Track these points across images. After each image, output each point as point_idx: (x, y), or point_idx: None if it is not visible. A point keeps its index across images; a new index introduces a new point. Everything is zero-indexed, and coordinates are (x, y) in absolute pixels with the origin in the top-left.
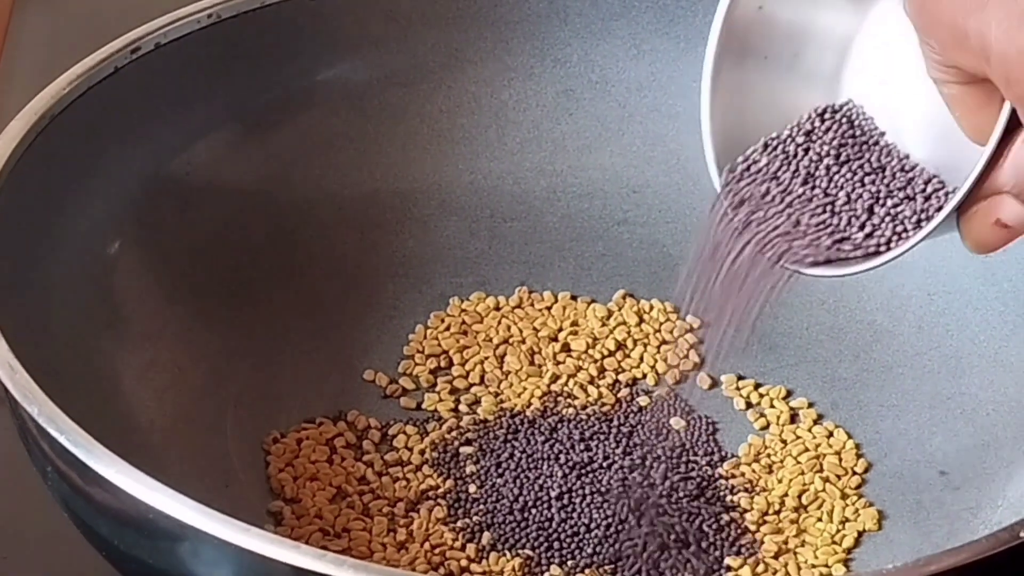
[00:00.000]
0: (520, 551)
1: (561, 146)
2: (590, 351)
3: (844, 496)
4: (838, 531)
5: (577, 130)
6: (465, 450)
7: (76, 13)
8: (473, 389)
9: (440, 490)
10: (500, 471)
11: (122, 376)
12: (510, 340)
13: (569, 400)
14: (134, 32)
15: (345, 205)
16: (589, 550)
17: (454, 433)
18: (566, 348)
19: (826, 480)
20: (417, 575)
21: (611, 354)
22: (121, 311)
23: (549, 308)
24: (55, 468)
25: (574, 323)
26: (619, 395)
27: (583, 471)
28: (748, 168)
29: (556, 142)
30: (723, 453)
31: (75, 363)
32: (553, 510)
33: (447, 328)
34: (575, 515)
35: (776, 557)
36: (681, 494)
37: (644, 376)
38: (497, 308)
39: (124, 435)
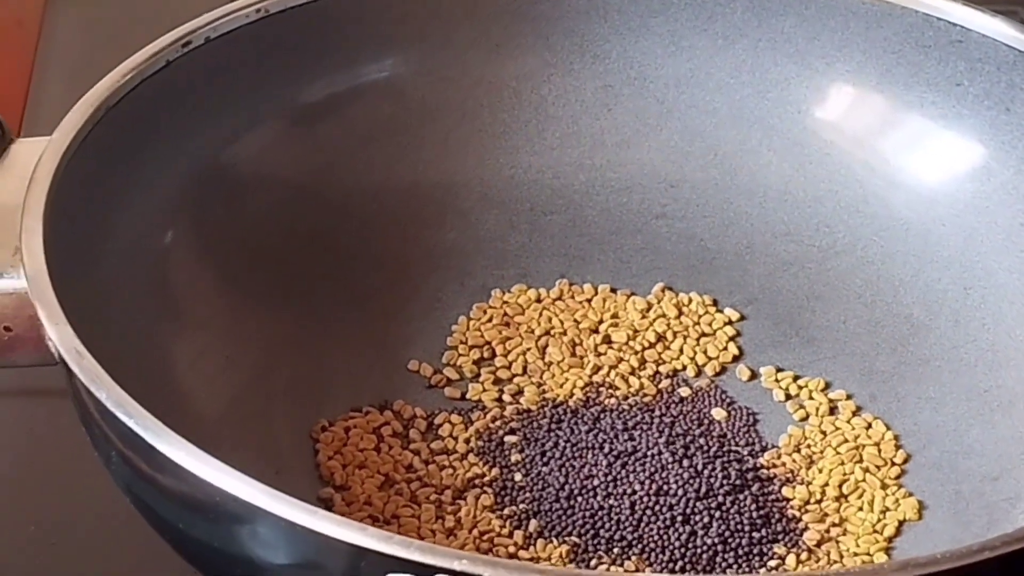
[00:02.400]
0: (567, 538)
1: (600, 141)
2: (630, 343)
3: (884, 486)
4: (879, 520)
5: (616, 125)
6: (510, 439)
7: (110, 7)
8: (516, 379)
9: (486, 478)
10: (545, 460)
11: (175, 365)
12: (551, 331)
13: (611, 391)
14: (185, 26)
15: (388, 198)
16: (634, 538)
17: (498, 422)
18: (607, 340)
19: (866, 470)
20: (478, 555)
21: (651, 346)
22: (174, 301)
23: (589, 300)
24: (120, 453)
25: (614, 315)
26: (660, 386)
27: (627, 460)
28: None
29: (595, 137)
30: (764, 444)
31: (131, 352)
32: (599, 498)
33: (489, 319)
34: (621, 503)
35: (819, 545)
36: (723, 484)
37: (684, 368)
38: (538, 300)
39: (177, 422)
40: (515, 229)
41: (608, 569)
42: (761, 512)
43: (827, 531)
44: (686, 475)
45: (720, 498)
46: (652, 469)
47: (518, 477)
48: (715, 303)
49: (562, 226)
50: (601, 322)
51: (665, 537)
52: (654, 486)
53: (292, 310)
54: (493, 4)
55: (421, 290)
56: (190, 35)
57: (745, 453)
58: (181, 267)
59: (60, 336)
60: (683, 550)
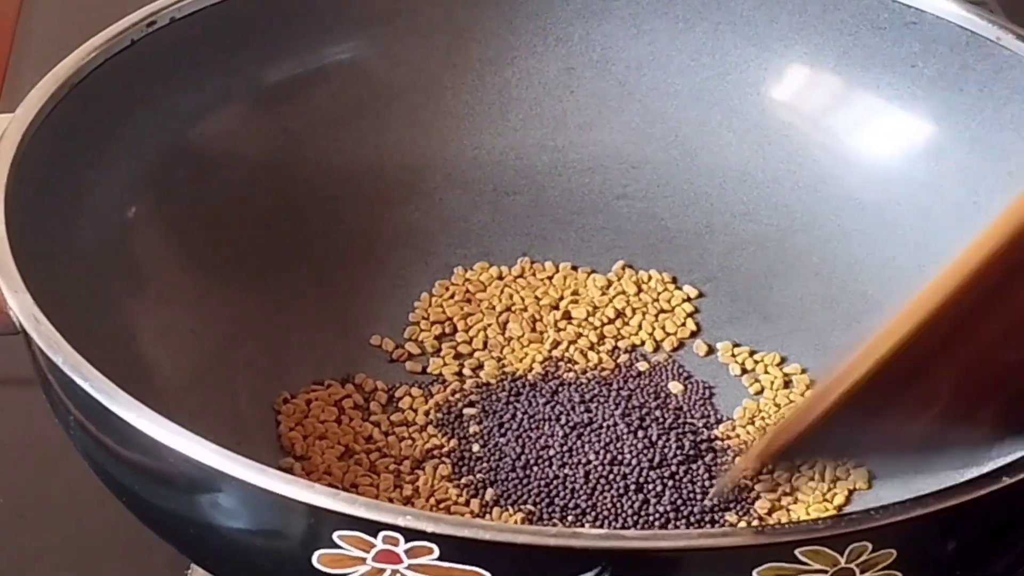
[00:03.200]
0: (522, 507)
1: (562, 123)
2: (590, 319)
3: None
4: (829, 489)
5: (578, 107)
6: (468, 411)
7: None
8: (476, 354)
9: (445, 449)
10: (503, 431)
11: (139, 337)
12: (512, 308)
13: (570, 365)
14: (150, 6)
15: (353, 178)
16: (588, 506)
17: (458, 395)
18: (567, 316)
19: None
20: (421, 512)
21: (611, 322)
22: (139, 275)
23: (550, 278)
24: (76, 419)
25: (575, 292)
26: (618, 361)
27: (583, 431)
28: None
29: (558, 119)
30: (719, 416)
31: (94, 324)
32: (554, 468)
33: (451, 296)
34: (575, 473)
35: (770, 514)
36: (677, 454)
37: (643, 343)
38: (500, 278)
39: (141, 394)
40: (478, 209)
41: None
42: (713, 481)
43: (778, 500)
44: (640, 445)
45: (673, 468)
46: (607, 440)
47: (476, 448)
48: (674, 280)
49: (524, 206)
50: (561, 299)
51: (618, 505)
52: (608, 456)
53: (257, 286)
54: None
55: (385, 268)
56: (155, 15)
57: (700, 425)
58: (146, 242)
59: (19, 304)
60: (635, 517)
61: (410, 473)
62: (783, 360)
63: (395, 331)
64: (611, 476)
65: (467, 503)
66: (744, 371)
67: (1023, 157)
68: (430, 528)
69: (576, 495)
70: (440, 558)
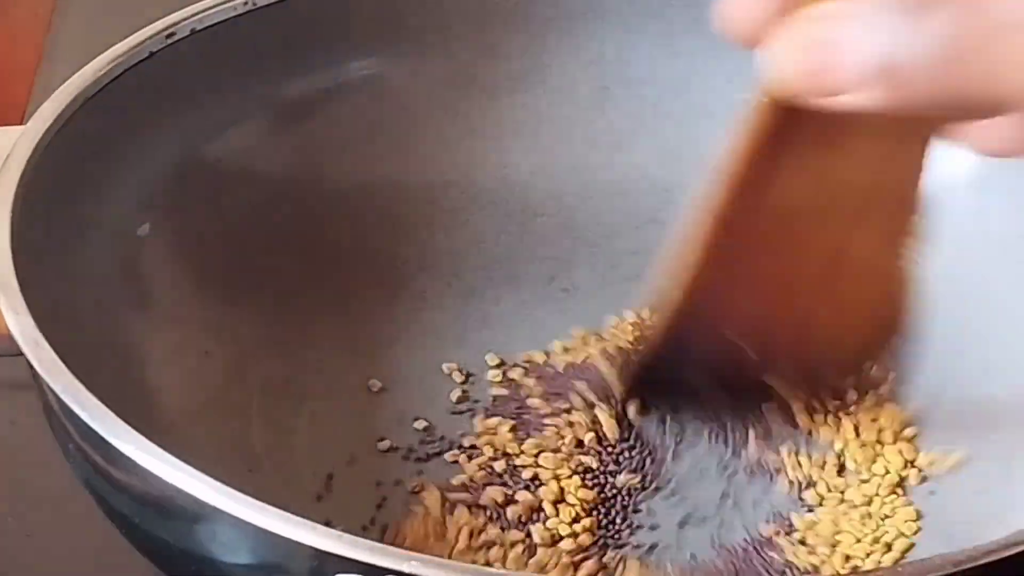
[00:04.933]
0: None
1: (594, 143)
2: None
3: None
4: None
5: (610, 128)
6: None
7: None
8: None
9: None
10: None
11: (149, 358)
12: None
13: None
14: (170, 17)
15: (376, 196)
16: None
17: None
18: None
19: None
20: (427, 556)
21: None
22: (149, 294)
23: None
24: (76, 445)
25: None
26: None
27: None
28: None
29: (589, 139)
30: None
31: (102, 344)
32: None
33: None
34: None
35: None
36: None
37: None
38: None
39: (149, 417)
40: (505, 231)
41: None
42: None
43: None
44: None
45: None
46: None
47: None
48: None
49: (553, 228)
50: None
51: None
52: None
53: (273, 307)
54: (489, 3)
55: (407, 290)
56: (174, 26)
57: None
58: (158, 261)
59: (19, 326)
60: None
61: None
62: None
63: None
64: None
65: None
66: None
67: None
68: (434, 574)
69: None
70: None
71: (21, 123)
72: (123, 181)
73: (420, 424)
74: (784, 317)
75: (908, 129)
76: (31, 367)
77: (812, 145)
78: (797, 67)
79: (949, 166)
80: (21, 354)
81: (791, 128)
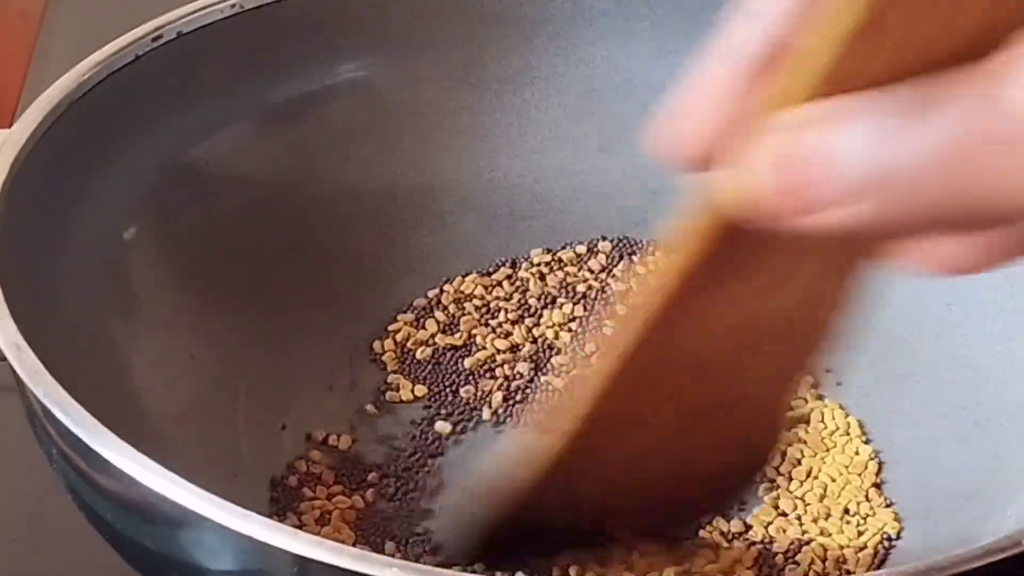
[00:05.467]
0: None
1: (582, 146)
2: None
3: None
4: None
5: (599, 130)
6: None
7: (110, 2)
8: None
9: None
10: None
11: (134, 363)
12: None
13: None
14: (156, 20)
15: (364, 199)
16: None
17: None
18: None
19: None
20: (408, 563)
21: None
22: (135, 298)
23: None
24: (60, 450)
25: None
26: None
27: None
28: None
29: (577, 142)
30: None
31: (87, 348)
32: None
33: None
34: None
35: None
36: None
37: None
38: None
39: (134, 422)
40: (493, 233)
41: None
42: None
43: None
44: None
45: None
46: None
47: None
48: None
49: (541, 232)
50: None
51: None
52: None
53: (260, 310)
54: (477, 5)
55: (394, 293)
56: (161, 29)
57: None
58: (144, 265)
59: (2, 331)
60: None
61: None
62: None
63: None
64: None
65: None
66: None
67: None
68: None
69: None
70: None
71: (10, 127)
72: (109, 185)
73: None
74: (651, 459)
75: (846, 251)
76: (14, 372)
77: (740, 272)
78: (773, 183)
79: None
80: (3, 359)
81: (724, 255)
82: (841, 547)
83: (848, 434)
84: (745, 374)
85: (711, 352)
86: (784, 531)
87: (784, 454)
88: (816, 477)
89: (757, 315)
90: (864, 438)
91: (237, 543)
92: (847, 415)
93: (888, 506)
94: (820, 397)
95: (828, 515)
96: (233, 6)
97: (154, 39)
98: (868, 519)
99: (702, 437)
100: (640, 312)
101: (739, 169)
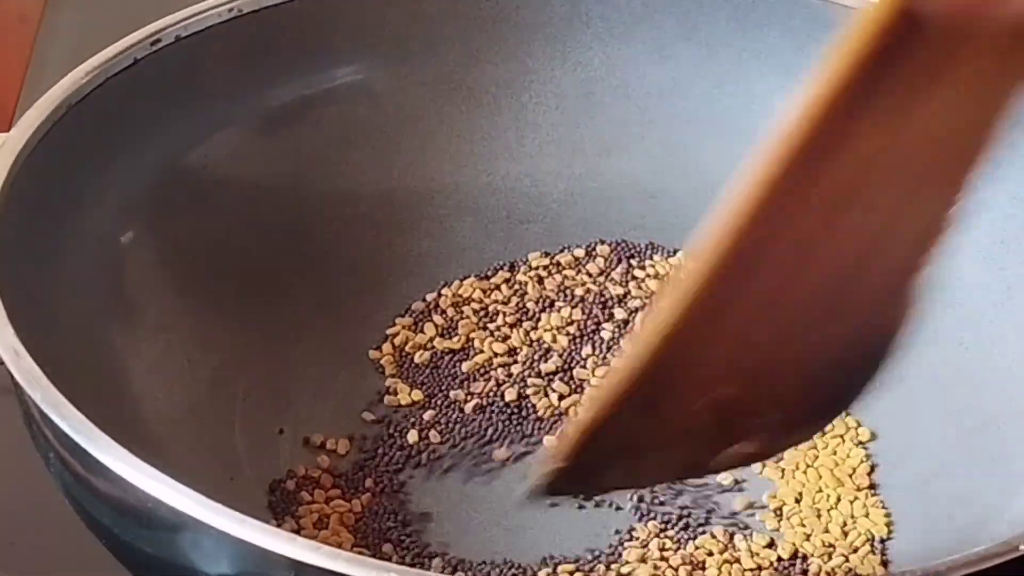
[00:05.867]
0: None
1: (580, 149)
2: None
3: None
4: (846, 524)
5: (596, 134)
6: None
7: (109, 6)
8: None
9: None
10: None
11: (131, 367)
12: None
13: None
14: (154, 24)
15: (361, 203)
16: None
17: None
18: None
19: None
20: (406, 568)
21: None
22: (133, 301)
23: None
24: (57, 455)
25: None
26: None
27: None
28: None
29: (575, 145)
30: None
31: (84, 352)
32: None
33: None
34: None
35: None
36: None
37: None
38: None
39: (131, 425)
40: (491, 237)
41: None
42: None
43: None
44: None
45: None
46: None
47: None
48: None
49: (539, 235)
50: None
51: None
52: None
53: (258, 314)
54: (474, 8)
55: (392, 296)
56: (159, 33)
57: None
58: (141, 268)
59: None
60: None
61: None
62: None
63: None
64: None
65: None
66: None
67: None
68: None
69: None
70: None
71: (8, 130)
72: (106, 188)
73: None
74: (775, 348)
75: (997, 75)
76: (11, 377)
77: (896, 94)
78: None
79: None
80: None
81: (884, 68)
82: (829, 546)
83: (842, 437)
84: (891, 222)
85: (862, 188)
86: (777, 530)
87: (781, 455)
88: (807, 476)
89: (914, 143)
90: (858, 440)
91: (235, 548)
92: (843, 417)
93: (879, 508)
94: None
95: (819, 515)
96: (231, 10)
97: (152, 43)
98: (858, 520)
99: (833, 303)
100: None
101: None
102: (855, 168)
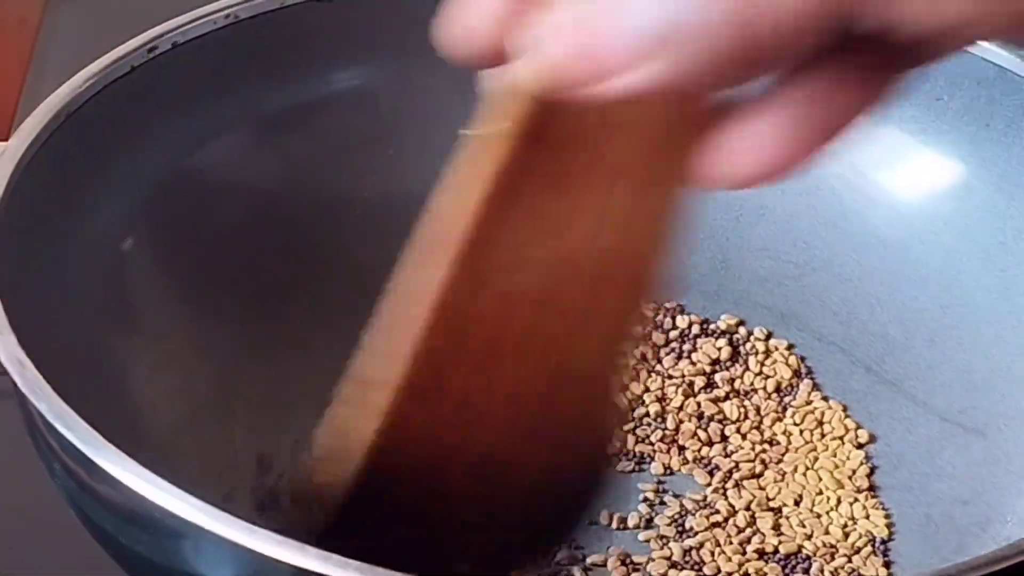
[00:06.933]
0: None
1: None
2: None
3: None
4: (847, 525)
5: None
6: None
7: (109, 11)
8: None
9: None
10: None
11: (132, 375)
12: None
13: None
14: (151, 31)
15: (359, 209)
16: None
17: None
18: None
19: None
20: None
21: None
22: (132, 309)
23: None
24: (62, 464)
25: None
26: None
27: None
28: None
29: None
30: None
31: (84, 360)
32: None
33: None
34: None
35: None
36: None
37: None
38: None
39: (131, 434)
40: None
41: None
42: None
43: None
44: None
45: None
46: None
47: None
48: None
49: None
50: None
51: None
52: None
53: (257, 321)
54: None
55: None
56: (156, 40)
57: None
58: (141, 276)
59: (3, 346)
60: None
61: None
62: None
63: None
64: None
65: None
66: None
67: None
68: None
69: None
70: None
71: (7, 139)
72: (106, 196)
73: None
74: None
75: (660, 168)
76: (15, 387)
77: (552, 185)
78: (563, 51)
79: (932, 175)
80: (3, 373)
81: (535, 156)
82: (831, 547)
83: (842, 439)
84: (569, 330)
85: (530, 298)
86: (777, 531)
87: (780, 458)
88: (807, 479)
89: (574, 252)
90: (857, 442)
91: (244, 557)
92: (843, 419)
93: (880, 509)
94: (814, 400)
95: (818, 516)
96: (228, 17)
97: (149, 50)
98: (859, 522)
99: (534, 425)
100: (449, 238)
101: (532, 47)
102: (518, 267)
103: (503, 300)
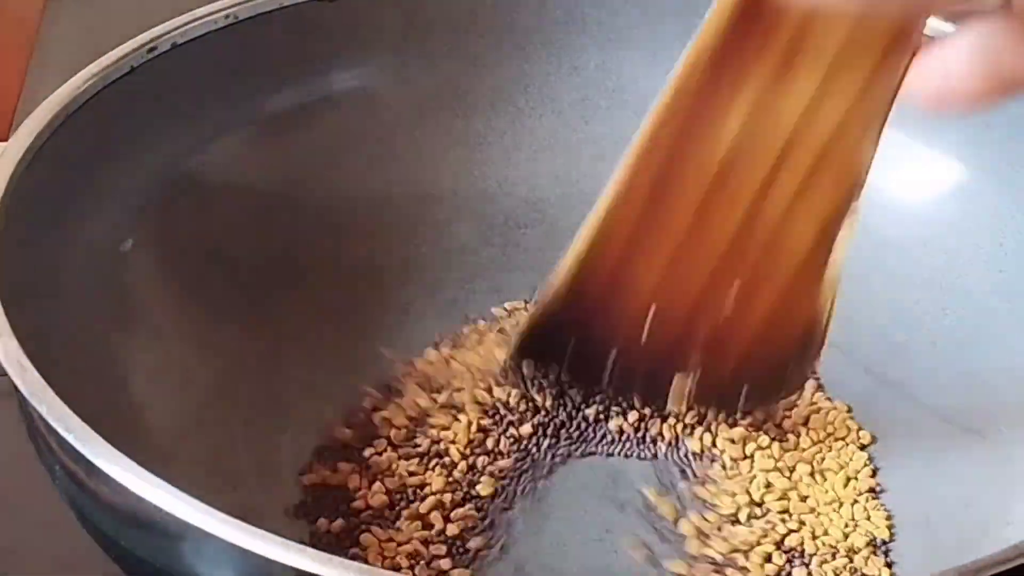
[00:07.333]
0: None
1: (576, 153)
2: None
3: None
4: (847, 525)
5: (593, 138)
6: None
7: (109, 11)
8: None
9: None
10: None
11: (132, 376)
12: None
13: None
14: (151, 31)
15: (359, 209)
16: None
17: None
18: None
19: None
20: None
21: None
22: (132, 310)
23: None
24: (63, 466)
25: None
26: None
27: None
28: None
29: (572, 149)
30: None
31: (85, 362)
32: None
33: None
34: None
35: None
36: None
37: None
38: None
39: (132, 435)
40: (488, 242)
41: None
42: None
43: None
44: None
45: None
46: None
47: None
48: None
49: (536, 239)
50: None
51: None
52: None
53: (258, 322)
54: (469, 14)
55: (390, 302)
56: (156, 40)
57: None
58: (141, 277)
59: (4, 349)
60: None
61: None
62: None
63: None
64: None
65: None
66: None
67: None
68: None
69: None
70: None
71: (7, 139)
72: (106, 197)
73: None
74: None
75: (876, 79)
76: (16, 389)
77: (764, 74)
78: None
79: (933, 177)
80: (3, 375)
81: (746, 47)
82: (832, 547)
83: (844, 440)
84: (791, 214)
85: (754, 172)
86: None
87: (779, 459)
88: (813, 479)
89: (786, 133)
90: (859, 443)
91: (238, 557)
92: (846, 420)
93: (881, 511)
94: (819, 402)
95: (819, 517)
96: (228, 17)
97: (149, 50)
98: (860, 523)
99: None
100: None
101: None
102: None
103: (727, 165)
